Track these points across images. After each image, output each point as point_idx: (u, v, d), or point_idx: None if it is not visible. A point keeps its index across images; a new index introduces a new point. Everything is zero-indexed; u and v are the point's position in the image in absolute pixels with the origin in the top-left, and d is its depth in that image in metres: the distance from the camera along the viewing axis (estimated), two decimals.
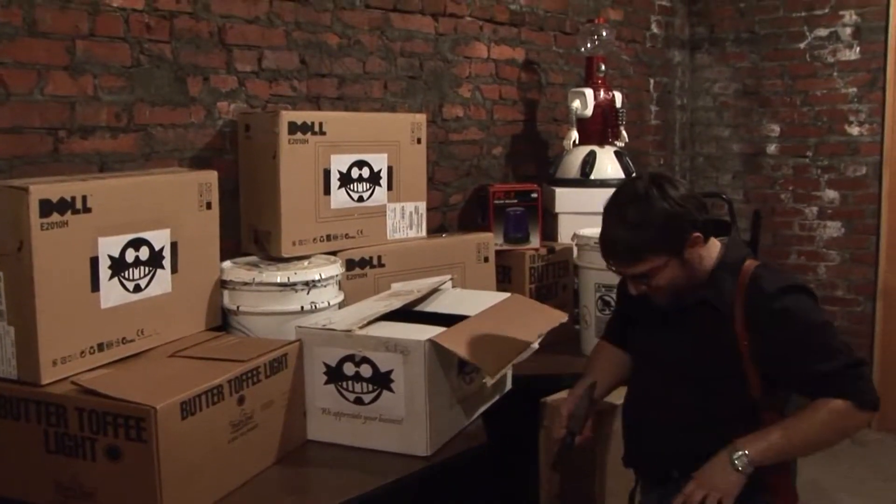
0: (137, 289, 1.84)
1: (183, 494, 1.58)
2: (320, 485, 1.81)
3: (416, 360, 1.84)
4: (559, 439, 1.88)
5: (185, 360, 1.82)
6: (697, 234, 1.66)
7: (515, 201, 2.87)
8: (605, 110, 3.26)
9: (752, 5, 4.42)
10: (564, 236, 3.01)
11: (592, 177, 3.16)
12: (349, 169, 2.34)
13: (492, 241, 2.70)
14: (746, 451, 1.60)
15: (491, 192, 2.87)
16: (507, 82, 3.38)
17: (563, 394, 2.35)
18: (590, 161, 3.17)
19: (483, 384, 2.07)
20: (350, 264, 2.32)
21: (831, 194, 4.24)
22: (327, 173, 2.29)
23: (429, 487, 1.90)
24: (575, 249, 2.83)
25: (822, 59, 4.21)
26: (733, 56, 4.51)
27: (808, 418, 1.62)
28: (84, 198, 1.69)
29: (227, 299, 2.10)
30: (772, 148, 4.42)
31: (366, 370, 1.89)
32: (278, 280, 2.05)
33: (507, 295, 2.34)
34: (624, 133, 3.30)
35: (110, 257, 1.76)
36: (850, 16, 4.11)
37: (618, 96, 3.30)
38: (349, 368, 1.90)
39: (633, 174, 3.22)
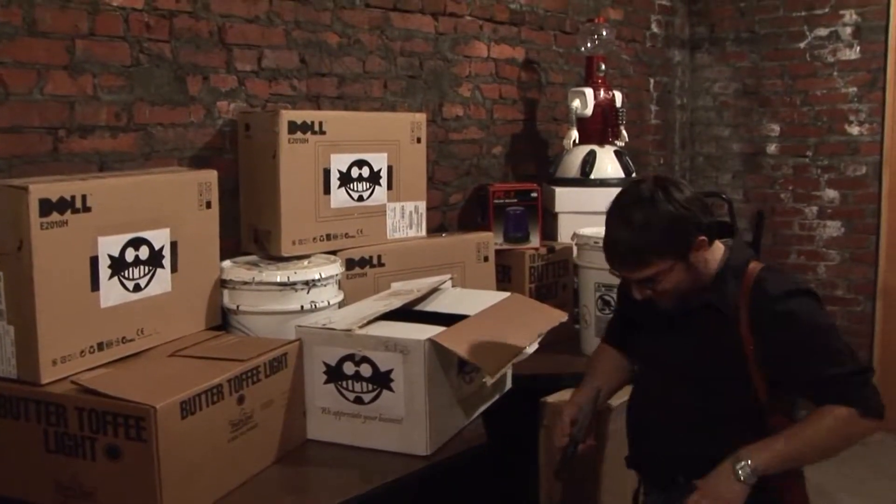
0: (137, 288, 1.84)
1: (183, 494, 1.58)
2: (320, 484, 1.81)
3: (416, 360, 1.84)
4: (561, 448, 1.85)
5: (184, 359, 1.82)
6: (703, 237, 1.64)
7: (515, 201, 2.86)
8: (605, 110, 3.26)
9: (753, 5, 4.42)
10: (564, 236, 3.00)
11: (592, 176, 3.16)
12: (349, 168, 2.34)
13: (492, 240, 2.70)
14: (750, 461, 1.58)
15: (491, 192, 2.87)
16: (507, 81, 3.38)
17: (563, 393, 2.35)
18: (590, 160, 3.17)
19: (483, 384, 2.07)
20: (350, 264, 2.32)
21: (831, 194, 4.24)
22: (327, 173, 2.29)
23: (429, 487, 1.90)
24: (575, 249, 2.83)
25: (822, 59, 4.21)
26: (733, 56, 4.51)
27: (811, 426, 1.60)
28: (84, 197, 1.69)
29: (227, 299, 2.10)
30: (772, 148, 4.42)
31: (366, 370, 1.89)
32: (278, 279, 2.05)
33: (506, 294, 2.34)
34: (624, 132, 3.30)
35: (110, 257, 1.76)
36: (850, 15, 4.11)
37: (618, 96, 3.30)
38: (349, 368, 1.90)
39: (634, 174, 3.23)
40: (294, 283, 2.06)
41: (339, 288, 2.24)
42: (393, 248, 2.43)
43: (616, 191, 1.69)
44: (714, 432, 1.68)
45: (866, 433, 1.62)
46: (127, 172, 2.06)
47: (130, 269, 1.82)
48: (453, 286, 2.47)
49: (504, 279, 2.82)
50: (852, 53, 4.12)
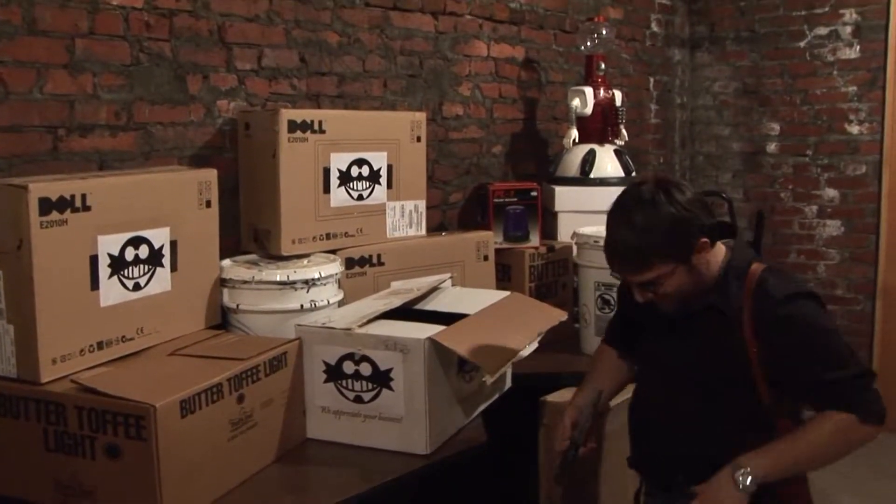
0: (137, 287, 1.84)
1: (182, 493, 1.58)
2: (320, 483, 1.81)
3: (416, 359, 1.84)
4: (561, 452, 1.82)
5: (184, 358, 1.82)
6: (705, 239, 1.62)
7: (515, 200, 2.86)
8: (604, 109, 3.26)
9: (753, 4, 4.41)
10: (564, 235, 3.00)
11: (592, 175, 3.16)
12: (349, 167, 2.34)
13: (491, 239, 2.70)
14: (749, 470, 1.56)
15: (491, 191, 2.87)
16: (507, 81, 3.38)
17: (563, 392, 2.35)
18: (589, 160, 3.17)
19: (483, 383, 2.07)
20: (350, 263, 2.32)
21: (831, 193, 4.24)
22: (327, 172, 2.29)
23: (428, 486, 1.90)
24: (574, 248, 2.83)
25: (822, 58, 4.21)
26: (733, 55, 4.51)
27: (811, 433, 1.59)
28: (83, 196, 1.69)
29: (227, 298, 2.10)
30: (772, 147, 4.42)
31: (365, 368, 1.89)
32: (278, 278, 2.05)
33: (506, 293, 2.34)
34: (624, 132, 3.30)
35: (110, 255, 1.76)
36: (850, 14, 4.11)
37: (618, 95, 3.30)
38: (349, 367, 1.90)
39: (634, 173, 3.23)
40: (294, 282, 2.06)
41: (339, 287, 2.24)
42: (393, 247, 2.43)
43: (616, 190, 1.68)
44: (717, 435, 1.66)
45: (867, 439, 1.60)
46: (127, 171, 2.06)
47: (130, 268, 1.82)
48: (453, 285, 2.48)
49: (504, 278, 2.82)
50: (852, 52, 4.12)
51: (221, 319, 2.11)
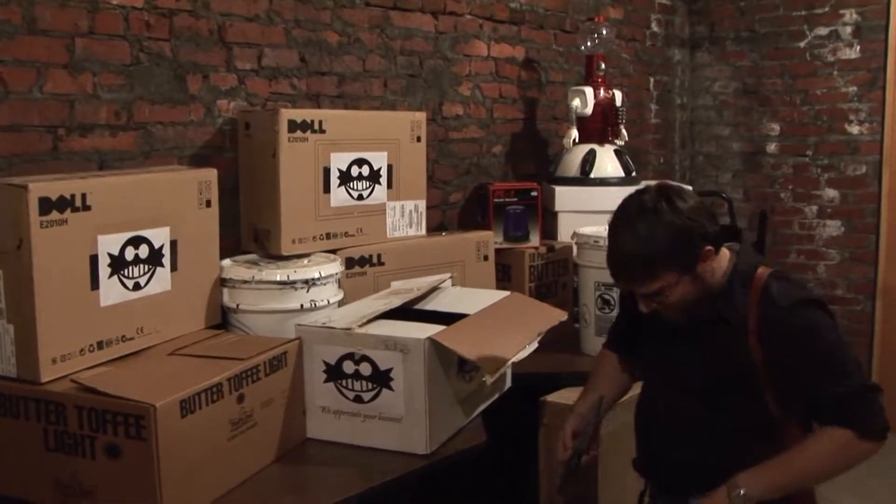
0: (137, 287, 1.84)
1: (182, 492, 1.58)
2: (320, 483, 1.81)
3: (416, 359, 1.84)
4: (563, 462, 1.78)
5: (184, 358, 1.82)
6: (709, 247, 1.58)
7: (515, 200, 2.86)
8: (605, 109, 3.26)
9: (753, 4, 4.41)
10: (564, 235, 3.00)
11: (592, 175, 3.16)
12: (349, 167, 2.34)
13: (491, 239, 2.69)
14: (745, 490, 1.54)
15: (491, 191, 2.87)
16: (507, 80, 3.38)
17: (563, 392, 2.36)
18: (590, 160, 3.17)
19: (482, 382, 2.07)
20: (350, 262, 2.32)
21: (831, 193, 4.24)
22: (327, 171, 2.29)
23: (428, 486, 1.90)
24: (575, 248, 2.83)
25: (822, 58, 4.21)
26: (733, 55, 4.51)
27: (808, 451, 1.56)
28: (83, 196, 1.69)
29: (227, 297, 2.10)
30: (772, 147, 4.42)
31: (365, 368, 1.89)
32: (278, 278, 2.05)
33: (506, 293, 2.34)
34: (624, 132, 3.30)
35: (110, 255, 1.76)
36: (850, 14, 4.11)
37: (618, 95, 3.30)
38: (349, 367, 1.90)
39: (634, 173, 3.23)
40: (294, 282, 2.06)
41: (339, 287, 2.23)
42: (393, 247, 2.43)
43: (616, 190, 1.67)
44: (722, 442, 1.64)
45: (866, 455, 1.56)
46: (127, 171, 2.06)
47: (130, 267, 1.82)
48: (453, 285, 2.47)
49: (504, 278, 2.82)
50: (852, 53, 4.12)
51: (221, 319, 2.11)
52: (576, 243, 2.80)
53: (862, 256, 4.16)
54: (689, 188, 1.77)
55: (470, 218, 3.12)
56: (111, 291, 1.77)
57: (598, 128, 3.27)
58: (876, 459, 1.60)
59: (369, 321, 1.94)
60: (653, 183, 1.66)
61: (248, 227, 2.34)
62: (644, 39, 4.25)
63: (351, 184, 2.36)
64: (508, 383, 2.33)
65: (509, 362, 1.97)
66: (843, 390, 1.54)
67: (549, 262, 2.87)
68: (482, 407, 2.16)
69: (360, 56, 2.75)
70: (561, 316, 2.27)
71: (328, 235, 2.31)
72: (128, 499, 1.56)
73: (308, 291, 2.08)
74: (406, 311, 2.08)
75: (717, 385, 1.64)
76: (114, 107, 2.12)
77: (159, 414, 1.51)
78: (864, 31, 4.07)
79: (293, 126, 2.19)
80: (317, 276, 2.09)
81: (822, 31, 4.19)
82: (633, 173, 3.23)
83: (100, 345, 1.76)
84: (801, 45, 4.26)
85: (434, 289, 2.32)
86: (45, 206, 1.61)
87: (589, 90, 3.22)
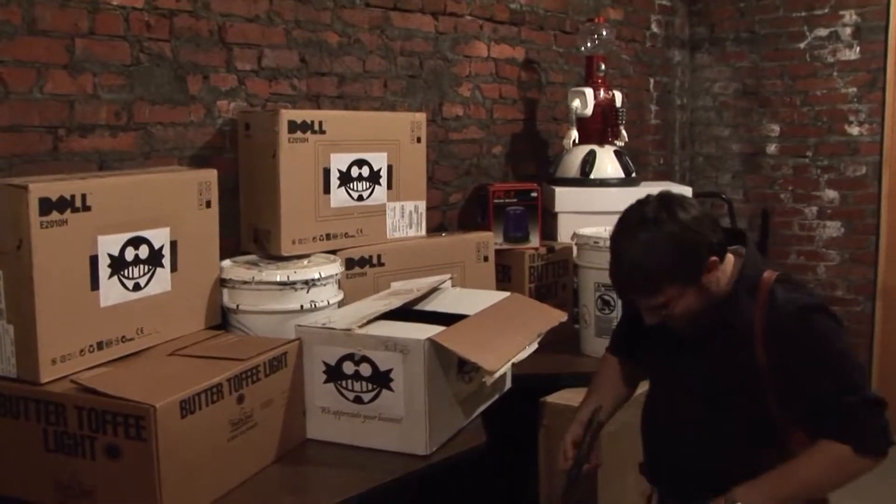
0: (137, 287, 1.84)
1: (182, 493, 1.58)
2: (320, 483, 1.81)
3: (416, 359, 1.84)
4: (565, 472, 1.75)
5: (184, 358, 1.81)
6: (714, 258, 1.56)
7: (515, 200, 2.86)
8: (604, 110, 3.26)
9: (752, 5, 4.42)
10: (564, 235, 3.00)
11: (592, 176, 3.16)
12: (349, 168, 2.34)
13: (491, 240, 2.69)
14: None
15: (491, 192, 2.87)
16: (507, 81, 3.38)
17: (562, 393, 2.36)
18: (590, 160, 3.17)
19: (482, 383, 2.07)
20: (350, 263, 2.32)
21: (831, 194, 4.24)
22: (327, 172, 2.29)
23: (428, 486, 1.90)
24: (574, 249, 2.83)
25: (821, 59, 4.21)
26: (733, 56, 4.51)
27: (805, 466, 1.54)
28: (83, 196, 1.69)
29: (227, 298, 2.10)
30: (771, 148, 4.42)
31: (365, 369, 1.89)
32: (278, 279, 2.05)
33: (506, 294, 2.34)
34: (624, 132, 3.31)
35: (110, 256, 1.76)
36: (850, 16, 4.11)
37: (618, 96, 3.30)
38: (349, 367, 1.90)
39: (634, 174, 3.23)
40: (294, 283, 2.06)
41: (339, 287, 2.23)
42: (393, 248, 2.43)
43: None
44: (728, 448, 1.62)
45: (864, 470, 1.54)
46: (127, 171, 2.06)
47: (130, 268, 1.82)
48: (453, 286, 2.47)
49: (504, 279, 2.82)
50: (852, 54, 4.12)
51: (221, 320, 2.11)
52: (576, 244, 2.80)
53: (862, 257, 4.16)
54: (691, 194, 1.74)
55: (470, 219, 3.13)
56: (111, 292, 1.77)
57: (597, 129, 3.27)
58: None
59: (369, 322, 1.94)
60: (654, 191, 1.63)
61: (248, 227, 2.34)
62: (644, 40, 4.26)
63: (351, 184, 2.36)
64: (508, 384, 2.33)
65: (509, 363, 1.97)
66: (844, 404, 1.52)
67: (548, 263, 2.87)
68: (482, 408, 2.16)
69: (360, 57, 2.75)
70: (561, 317, 2.27)
71: (328, 236, 2.31)
72: (128, 499, 1.56)
73: (308, 292, 2.08)
74: (406, 312, 2.08)
75: (722, 390, 1.62)
76: (114, 107, 2.12)
77: (159, 414, 1.51)
78: (864, 32, 4.07)
79: (293, 127, 2.19)
80: (317, 276, 2.09)
81: (822, 32, 4.19)
82: (633, 174, 3.23)
83: (100, 345, 1.76)
84: (801, 46, 4.26)
85: (434, 289, 2.32)
86: (46, 206, 1.61)
87: (589, 91, 3.22)
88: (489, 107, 3.30)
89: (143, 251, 1.84)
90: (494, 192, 2.87)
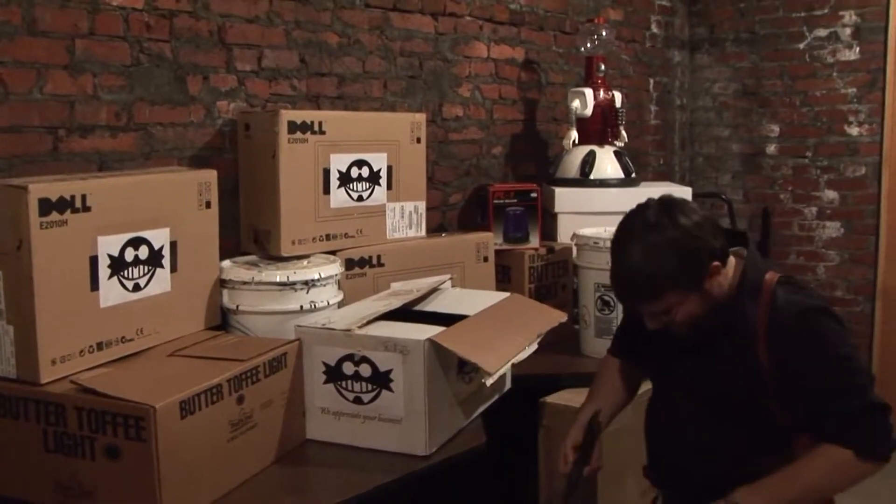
0: (137, 288, 1.84)
1: (182, 493, 1.58)
2: (319, 484, 1.81)
3: (416, 360, 1.84)
4: (565, 475, 1.75)
5: (184, 359, 1.81)
6: (716, 263, 1.55)
7: (515, 201, 2.86)
8: (604, 110, 3.26)
9: (752, 6, 4.42)
10: (564, 236, 3.00)
11: (592, 177, 3.16)
12: (349, 168, 2.34)
13: (491, 240, 2.69)
14: None
15: (490, 192, 2.87)
16: (507, 82, 3.38)
17: (562, 394, 2.36)
18: (589, 161, 3.17)
19: (482, 384, 2.06)
20: (349, 264, 2.32)
21: (830, 194, 4.24)
22: (327, 172, 2.29)
23: (428, 487, 1.90)
24: (574, 249, 2.83)
25: (821, 60, 4.21)
26: (733, 56, 4.51)
27: (806, 470, 1.53)
28: (83, 197, 1.69)
29: (227, 298, 2.10)
30: (771, 148, 4.42)
31: (365, 370, 1.89)
32: (278, 279, 2.05)
33: (506, 295, 2.34)
34: (623, 133, 3.30)
35: (110, 256, 1.76)
36: (849, 16, 4.11)
37: (617, 96, 3.30)
38: (348, 368, 1.90)
39: (633, 174, 3.23)
40: (293, 283, 2.06)
41: (339, 288, 2.23)
42: (392, 248, 2.43)
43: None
44: (731, 452, 1.61)
45: (867, 475, 1.53)
46: (127, 172, 2.06)
47: (130, 268, 1.82)
48: (453, 286, 2.47)
49: (504, 279, 2.82)
50: (852, 54, 4.12)
51: (221, 320, 2.11)
52: (575, 245, 2.80)
53: (861, 258, 4.17)
54: (691, 195, 1.74)
55: (470, 219, 3.13)
56: (111, 292, 1.77)
57: (597, 129, 3.27)
58: None
59: (369, 322, 1.94)
60: (655, 192, 1.63)
61: (248, 228, 2.34)
62: (644, 41, 4.26)
63: (351, 185, 2.36)
64: (508, 385, 2.33)
65: (509, 364, 1.97)
66: (846, 409, 1.51)
67: (548, 264, 2.87)
68: (482, 408, 2.16)
69: (359, 57, 2.75)
70: (560, 317, 2.27)
71: (328, 236, 2.31)
72: (127, 500, 1.56)
73: (308, 292, 2.08)
74: (406, 313, 2.08)
75: (724, 393, 1.62)
76: (114, 108, 2.12)
77: (159, 415, 1.51)
78: (864, 32, 4.07)
79: (293, 127, 2.19)
80: (316, 277, 2.09)
81: (822, 32, 4.19)
82: (633, 175, 3.23)
83: (99, 346, 1.76)
84: (801, 46, 4.26)
85: (434, 290, 2.32)
86: (45, 207, 1.61)
87: (589, 91, 3.22)
88: (489, 107, 3.30)
89: (143, 252, 1.84)
90: (494, 192, 2.87)
